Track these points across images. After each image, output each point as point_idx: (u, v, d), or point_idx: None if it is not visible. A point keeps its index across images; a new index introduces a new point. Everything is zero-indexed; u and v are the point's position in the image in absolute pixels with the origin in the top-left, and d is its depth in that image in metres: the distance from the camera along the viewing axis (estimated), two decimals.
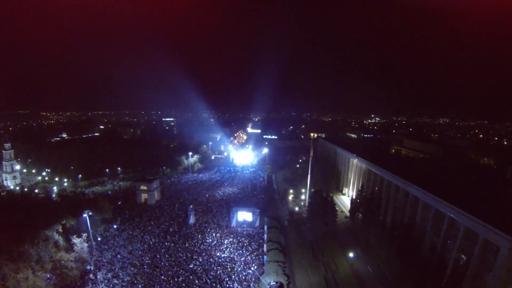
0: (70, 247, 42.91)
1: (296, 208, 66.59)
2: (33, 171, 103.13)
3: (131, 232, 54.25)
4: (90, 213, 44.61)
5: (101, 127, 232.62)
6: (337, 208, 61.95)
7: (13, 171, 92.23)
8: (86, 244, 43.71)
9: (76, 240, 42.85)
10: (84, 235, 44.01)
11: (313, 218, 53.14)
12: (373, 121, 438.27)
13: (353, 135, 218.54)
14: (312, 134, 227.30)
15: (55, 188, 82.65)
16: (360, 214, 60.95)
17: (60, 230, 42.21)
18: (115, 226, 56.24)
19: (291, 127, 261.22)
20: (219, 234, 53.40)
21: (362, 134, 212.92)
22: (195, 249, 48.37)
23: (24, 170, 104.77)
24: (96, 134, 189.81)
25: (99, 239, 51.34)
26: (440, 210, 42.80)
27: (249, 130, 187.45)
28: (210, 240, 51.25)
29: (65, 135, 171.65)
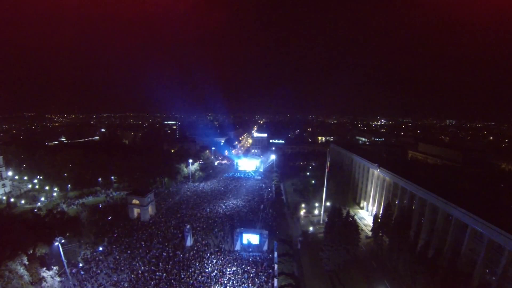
0: (39, 282, 35.23)
1: (310, 228, 57.92)
2: (25, 178, 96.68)
3: (118, 257, 46.56)
4: (62, 241, 36.79)
5: (103, 130, 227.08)
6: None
7: (1, 178, 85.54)
8: (58, 279, 35.88)
9: (45, 273, 35.09)
10: (55, 268, 36.21)
11: (332, 243, 44.54)
12: (379, 123, 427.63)
13: (363, 139, 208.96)
14: (319, 138, 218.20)
15: (42, 198, 75.80)
16: (384, 235, 52.19)
17: (26, 262, 34.39)
18: (100, 249, 48.58)
19: (298, 131, 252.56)
20: (220, 261, 45.17)
21: (373, 138, 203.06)
22: (191, 281, 40.24)
23: (16, 177, 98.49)
24: (96, 138, 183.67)
25: (80, 264, 43.74)
26: (496, 241, 33.94)
27: (255, 134, 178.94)
28: (209, 269, 43.04)
29: (63, 139, 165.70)
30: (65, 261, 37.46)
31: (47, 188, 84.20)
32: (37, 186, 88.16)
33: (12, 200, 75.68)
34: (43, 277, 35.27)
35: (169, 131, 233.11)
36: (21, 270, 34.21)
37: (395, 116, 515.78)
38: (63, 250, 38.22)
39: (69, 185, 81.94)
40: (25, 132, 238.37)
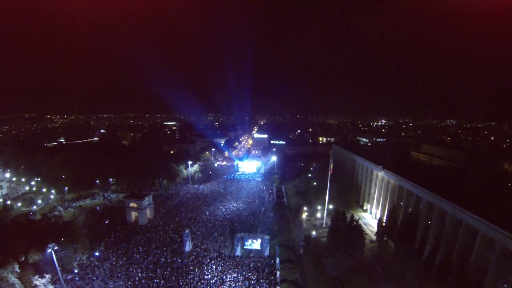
0: None
1: (313, 232, 56.38)
2: (23, 180, 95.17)
3: (114, 263, 45.13)
4: (56, 247, 35.34)
5: (102, 131, 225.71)
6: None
7: None
8: (51, 286, 34.45)
9: (38, 281, 33.64)
10: (48, 276, 34.77)
11: (336, 249, 43.05)
12: (380, 123, 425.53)
13: (364, 139, 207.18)
14: (320, 138, 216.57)
15: (39, 201, 74.37)
16: (390, 240, 50.67)
17: (18, 269, 32.96)
18: (97, 254, 47.17)
19: (299, 131, 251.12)
20: (220, 267, 43.68)
21: (374, 138, 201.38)
22: None
23: (14, 179, 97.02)
24: (95, 138, 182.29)
25: (76, 271, 42.30)
26: (509, 248, 32.42)
27: (255, 135, 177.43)
28: (209, 276, 41.56)
29: (62, 140, 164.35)
30: (58, 268, 36.03)
31: (44, 190, 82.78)
32: (34, 188, 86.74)
33: (8, 202, 74.29)
34: (36, 285, 33.85)
35: (168, 132, 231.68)
36: (13, 279, 32.80)
37: (396, 116, 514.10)
38: (57, 256, 36.83)
39: (67, 188, 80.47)
40: (25, 133, 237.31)
